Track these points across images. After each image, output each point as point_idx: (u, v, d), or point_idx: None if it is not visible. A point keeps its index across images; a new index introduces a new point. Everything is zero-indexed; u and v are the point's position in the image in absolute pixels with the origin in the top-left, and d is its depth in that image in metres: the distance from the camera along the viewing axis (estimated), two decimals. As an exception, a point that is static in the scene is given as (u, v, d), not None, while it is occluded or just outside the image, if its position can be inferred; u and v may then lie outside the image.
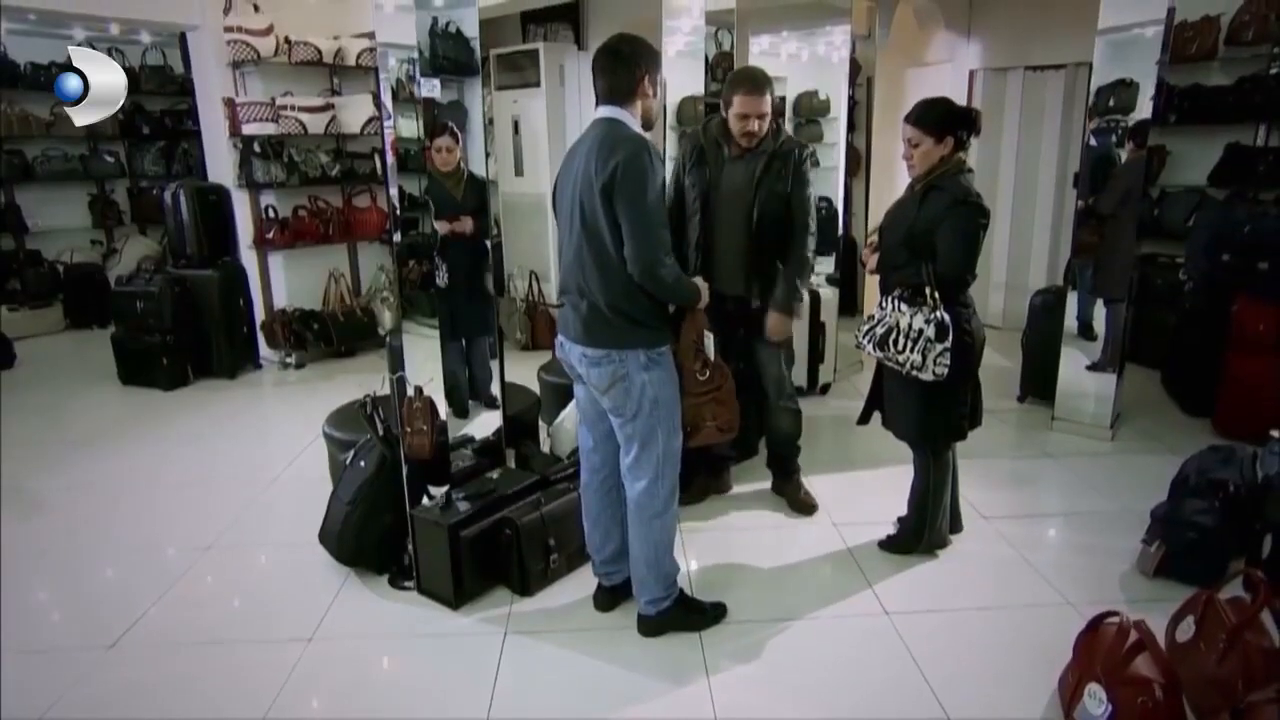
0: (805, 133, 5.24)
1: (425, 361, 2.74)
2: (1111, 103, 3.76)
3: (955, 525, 2.95)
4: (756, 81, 2.83)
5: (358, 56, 5.45)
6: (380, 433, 2.79)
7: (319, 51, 5.27)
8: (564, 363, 2.36)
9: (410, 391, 2.62)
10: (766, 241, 2.92)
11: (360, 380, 4.93)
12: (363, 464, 2.80)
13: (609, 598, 2.59)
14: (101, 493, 3.62)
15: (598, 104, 2.21)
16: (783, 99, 5.15)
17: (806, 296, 3.08)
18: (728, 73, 4.33)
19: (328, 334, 5.52)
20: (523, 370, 4.22)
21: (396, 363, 2.77)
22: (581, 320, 2.20)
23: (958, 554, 2.89)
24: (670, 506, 2.36)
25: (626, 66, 2.15)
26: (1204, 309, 4.09)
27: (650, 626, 2.44)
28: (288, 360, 5.43)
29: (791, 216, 2.93)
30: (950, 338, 2.45)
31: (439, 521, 2.55)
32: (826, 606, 2.60)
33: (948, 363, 2.46)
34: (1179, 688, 1.90)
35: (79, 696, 2.27)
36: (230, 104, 5.06)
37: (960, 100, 5.90)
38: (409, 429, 2.58)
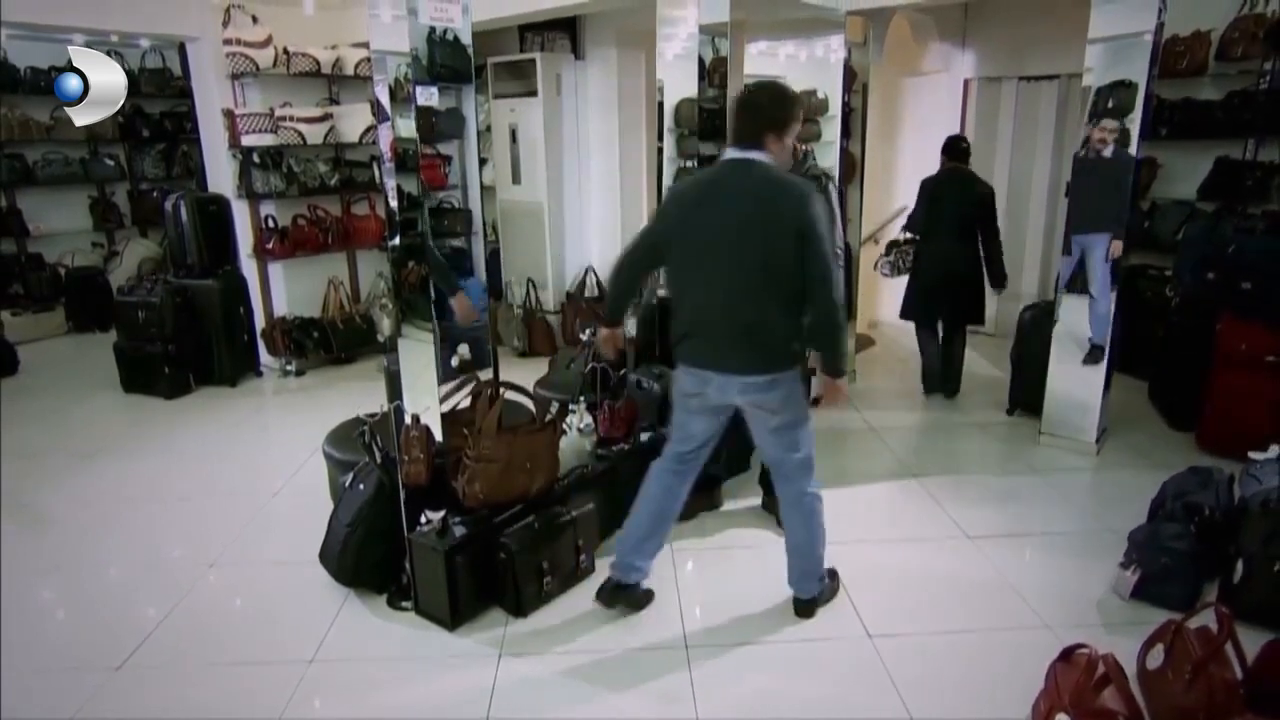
0: (803, 131, 5.26)
1: (423, 371, 2.78)
2: (1110, 104, 3.71)
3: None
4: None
5: (356, 66, 5.48)
6: (378, 460, 2.86)
7: (317, 62, 5.30)
8: (696, 395, 2.53)
9: (408, 420, 2.68)
10: None
11: (359, 388, 5.01)
12: (361, 487, 2.87)
13: (617, 594, 2.71)
14: (106, 505, 3.69)
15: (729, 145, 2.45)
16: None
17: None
18: (724, 77, 4.38)
19: (327, 341, 5.59)
20: (518, 378, 4.27)
21: (394, 390, 2.83)
22: (745, 353, 2.41)
23: (942, 575, 2.98)
24: None
25: (758, 113, 2.41)
26: (1190, 325, 4.14)
27: (810, 608, 2.73)
28: (288, 368, 5.50)
29: None
30: None
31: (435, 546, 2.63)
32: (812, 628, 2.68)
33: None
34: (1142, 722, 1.98)
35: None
36: (230, 115, 5.10)
37: (956, 108, 6.03)
38: (406, 457, 2.64)
